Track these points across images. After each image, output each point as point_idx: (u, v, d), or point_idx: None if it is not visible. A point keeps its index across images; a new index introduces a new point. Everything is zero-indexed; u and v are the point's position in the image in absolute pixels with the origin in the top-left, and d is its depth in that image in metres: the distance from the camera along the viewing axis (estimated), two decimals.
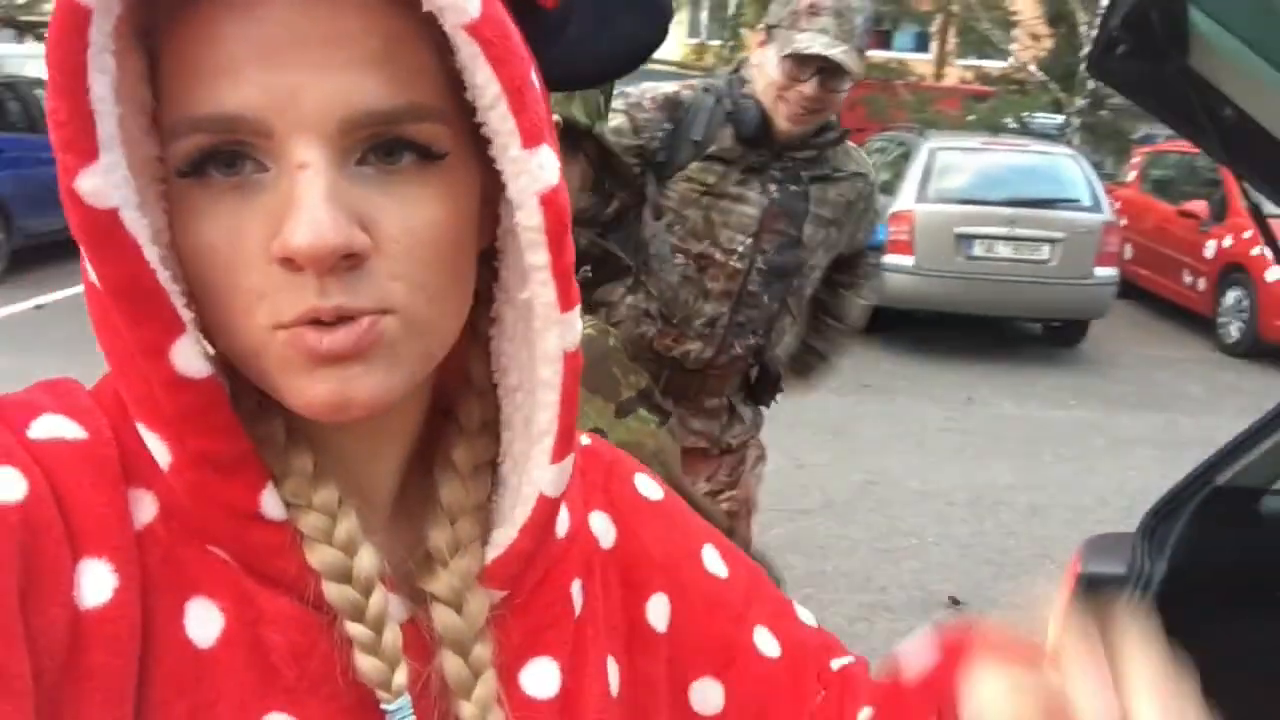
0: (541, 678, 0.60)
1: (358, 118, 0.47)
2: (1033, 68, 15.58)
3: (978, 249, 8.18)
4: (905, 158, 8.54)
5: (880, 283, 2.74)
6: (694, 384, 2.32)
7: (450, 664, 0.55)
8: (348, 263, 0.47)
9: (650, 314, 2.22)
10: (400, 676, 0.53)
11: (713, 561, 0.71)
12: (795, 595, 3.20)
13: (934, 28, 19.85)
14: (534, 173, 0.50)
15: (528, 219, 0.51)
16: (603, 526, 0.68)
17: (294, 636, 0.52)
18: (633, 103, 2.21)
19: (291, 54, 0.46)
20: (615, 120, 2.17)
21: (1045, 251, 8.17)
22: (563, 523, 0.62)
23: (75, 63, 0.44)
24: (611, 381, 1.33)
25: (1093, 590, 1.97)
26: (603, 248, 1.57)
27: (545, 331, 0.54)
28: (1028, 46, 16.14)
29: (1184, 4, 1.57)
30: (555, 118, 1.43)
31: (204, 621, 0.51)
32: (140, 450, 0.51)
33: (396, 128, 0.48)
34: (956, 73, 18.83)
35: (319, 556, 0.52)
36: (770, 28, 2.15)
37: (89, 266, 0.48)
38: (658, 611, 0.68)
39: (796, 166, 2.25)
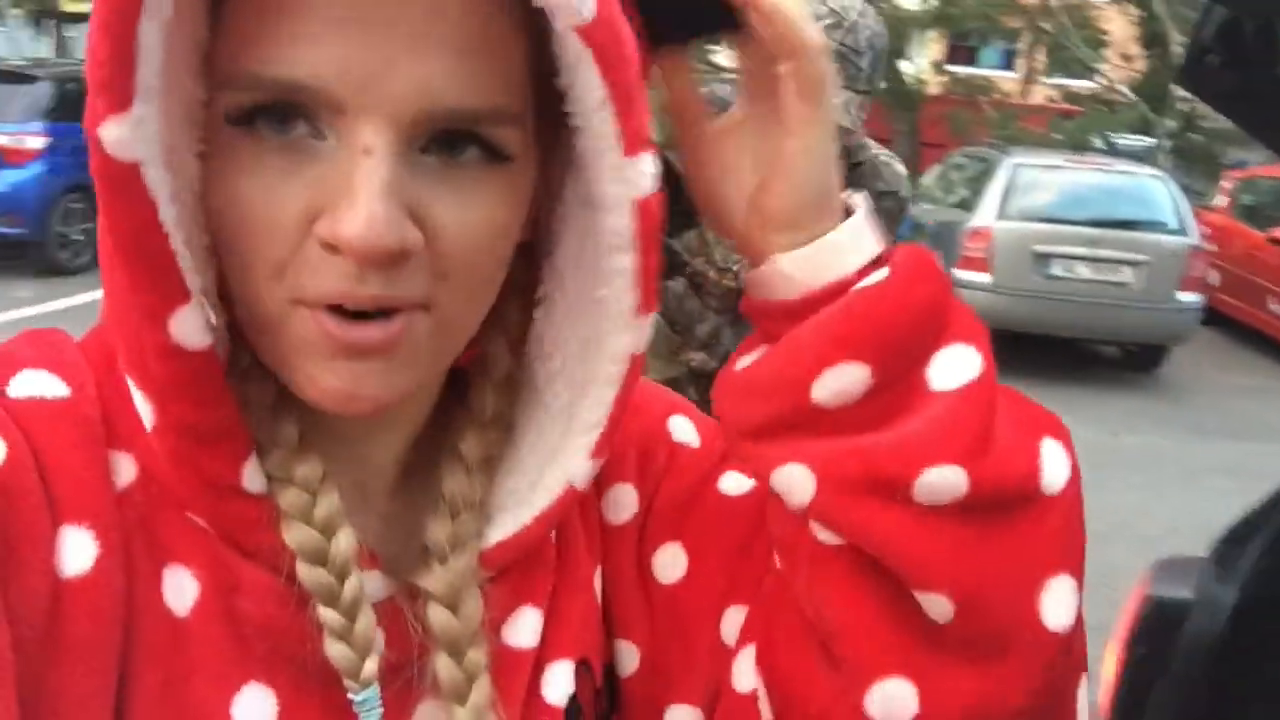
0: (524, 627, 0.58)
1: (437, 112, 0.45)
2: (1123, 88, 15.28)
3: (1057, 268, 8.02)
4: (986, 174, 8.42)
5: None
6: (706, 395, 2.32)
7: (444, 666, 0.53)
8: (396, 259, 0.45)
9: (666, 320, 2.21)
10: (371, 665, 0.51)
11: (728, 483, 0.65)
12: None
13: (1022, 45, 19.57)
14: (633, 180, 0.48)
15: (616, 222, 0.50)
16: (624, 499, 0.65)
17: (269, 609, 0.50)
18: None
19: (380, 29, 0.43)
20: None
21: (1127, 274, 7.99)
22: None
23: (130, 2, 0.41)
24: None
25: (1160, 614, 1.92)
26: (667, 245, 1.57)
27: (618, 332, 0.53)
28: (1118, 66, 15.83)
29: (1276, 14, 1.53)
30: None
31: (179, 589, 0.49)
32: (123, 409, 0.49)
33: (471, 125, 0.46)
34: (1043, 91, 18.53)
35: (295, 535, 0.50)
36: None
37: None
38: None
39: None
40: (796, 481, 0.50)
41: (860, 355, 0.48)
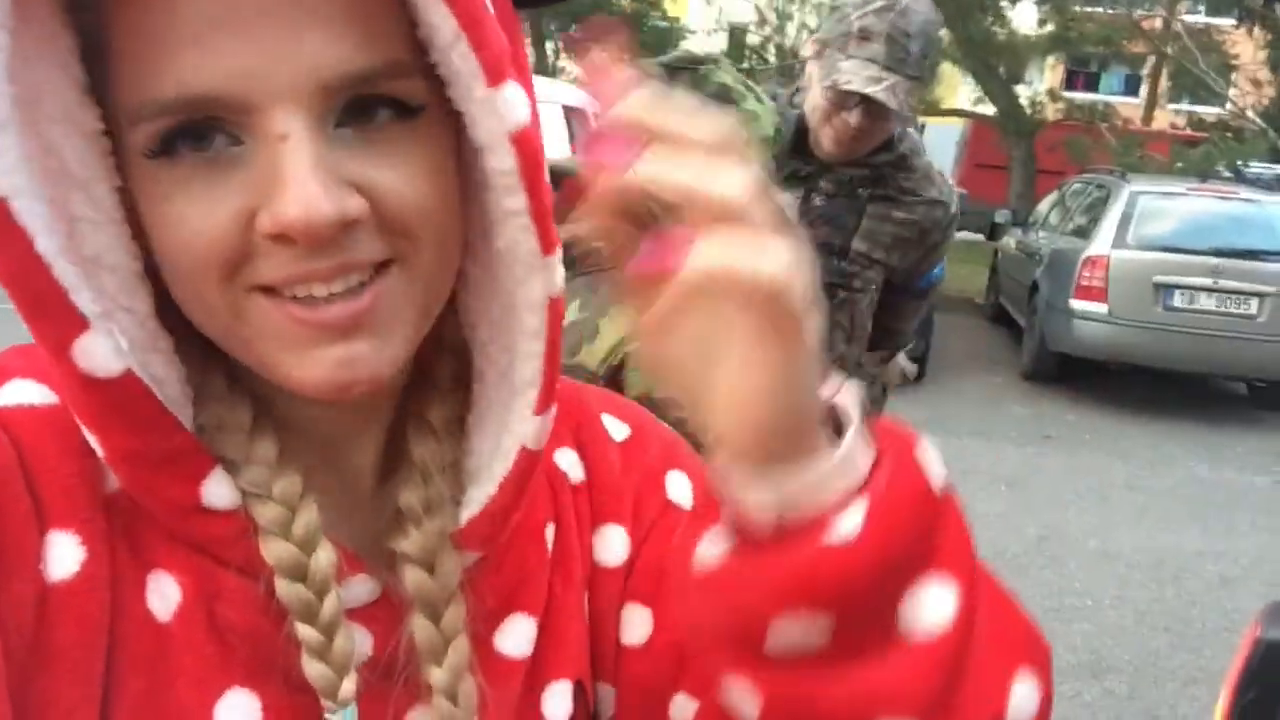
0: (516, 636, 0.58)
1: (335, 81, 0.44)
2: (1251, 114, 14.71)
3: (1178, 299, 7.72)
4: (1104, 201, 8.18)
5: (914, 332, 2.55)
6: None
7: (420, 627, 0.53)
8: (344, 229, 0.45)
9: None
10: (349, 685, 0.50)
11: (677, 490, 0.66)
12: None
13: (1146, 70, 19.00)
14: (501, 112, 0.47)
15: (500, 162, 0.48)
16: (570, 462, 0.65)
17: (251, 616, 0.50)
18: None
19: (257, 21, 0.43)
20: None
21: (1254, 306, 7.64)
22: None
23: None
24: None
25: (1271, 657, 1.82)
26: None
27: (528, 279, 0.51)
28: (1247, 92, 15.25)
29: None
30: None
31: (163, 595, 0.49)
32: None
33: (373, 86, 0.46)
34: (1166, 117, 17.97)
35: (274, 551, 0.49)
36: (822, 43, 2.03)
37: None
38: (607, 545, 0.64)
39: (853, 182, 2.15)
40: (743, 698, 0.47)
41: (826, 607, 0.44)
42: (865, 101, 1.96)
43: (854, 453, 0.46)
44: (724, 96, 1.46)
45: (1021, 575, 4.74)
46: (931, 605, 0.46)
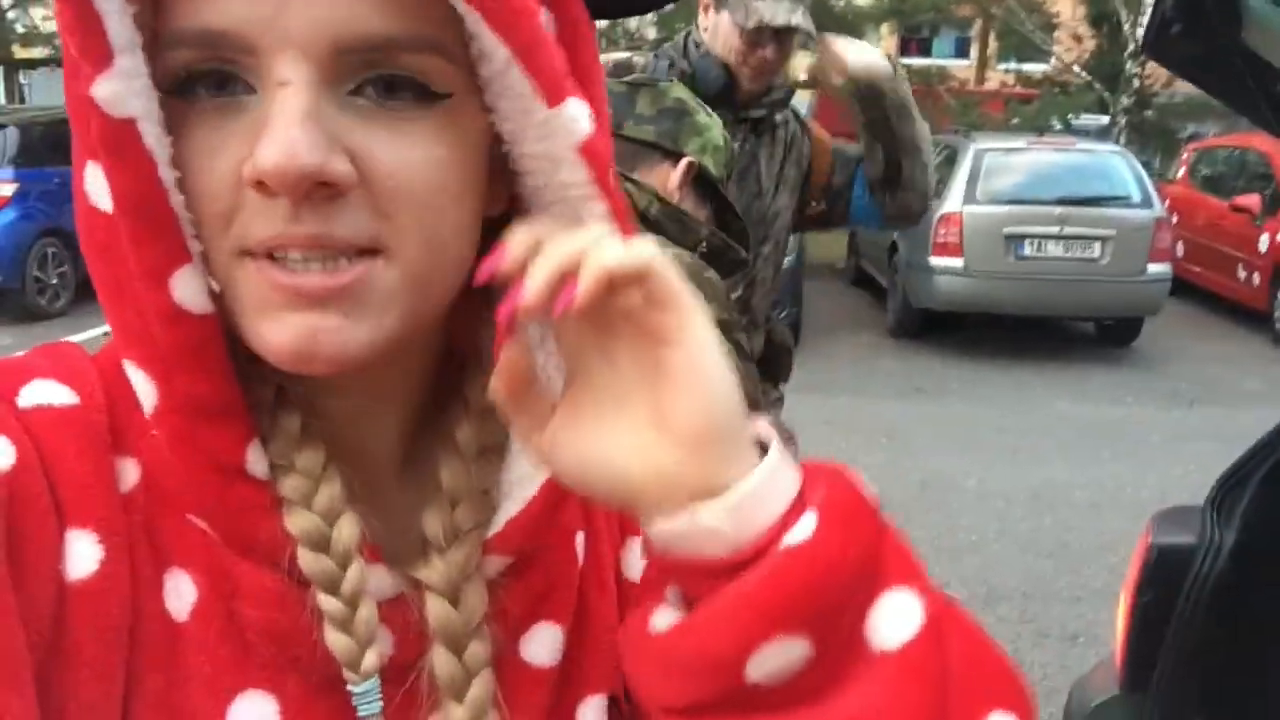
0: (543, 644, 0.57)
1: (351, 40, 0.44)
2: (1076, 68, 15.49)
3: (1028, 249, 8.16)
4: (951, 161, 8.55)
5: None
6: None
7: (441, 660, 0.51)
8: (325, 191, 0.43)
9: None
10: (371, 658, 0.49)
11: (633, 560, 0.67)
12: None
13: (974, 33, 19.78)
14: (567, 127, 0.48)
15: (572, 175, 0.49)
16: None
17: (270, 612, 0.49)
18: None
19: None
20: None
21: (1096, 250, 8.13)
22: None
23: None
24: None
25: (1164, 561, 2.00)
26: (722, 238, 1.55)
27: None
28: (1070, 48, 16.05)
29: None
30: (691, 159, 1.54)
31: (179, 594, 0.49)
32: (130, 417, 0.49)
33: (395, 57, 0.45)
34: (998, 77, 18.75)
35: (297, 522, 0.49)
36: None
37: (95, 186, 0.46)
38: (634, 558, 0.64)
39: (752, 125, 2.34)
40: None
41: (799, 628, 0.43)
42: (776, 35, 2.18)
43: (783, 467, 0.46)
44: (680, 109, 1.57)
45: (909, 520, 4.96)
46: (898, 614, 0.46)
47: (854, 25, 15.31)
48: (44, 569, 0.45)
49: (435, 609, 0.52)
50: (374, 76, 0.45)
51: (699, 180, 1.56)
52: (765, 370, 2.49)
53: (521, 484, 0.55)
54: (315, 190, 0.43)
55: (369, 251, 0.45)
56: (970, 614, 0.51)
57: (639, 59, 2.29)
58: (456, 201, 0.48)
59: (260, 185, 0.43)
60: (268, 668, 0.49)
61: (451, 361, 0.57)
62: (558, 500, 0.55)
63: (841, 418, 6.27)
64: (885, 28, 18.19)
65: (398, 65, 0.45)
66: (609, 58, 2.29)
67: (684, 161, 1.55)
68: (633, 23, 13.08)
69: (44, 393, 0.49)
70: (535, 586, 0.56)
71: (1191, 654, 1.93)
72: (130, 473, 0.49)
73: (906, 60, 17.98)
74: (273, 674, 0.49)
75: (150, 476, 0.49)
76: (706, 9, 2.27)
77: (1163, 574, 1.99)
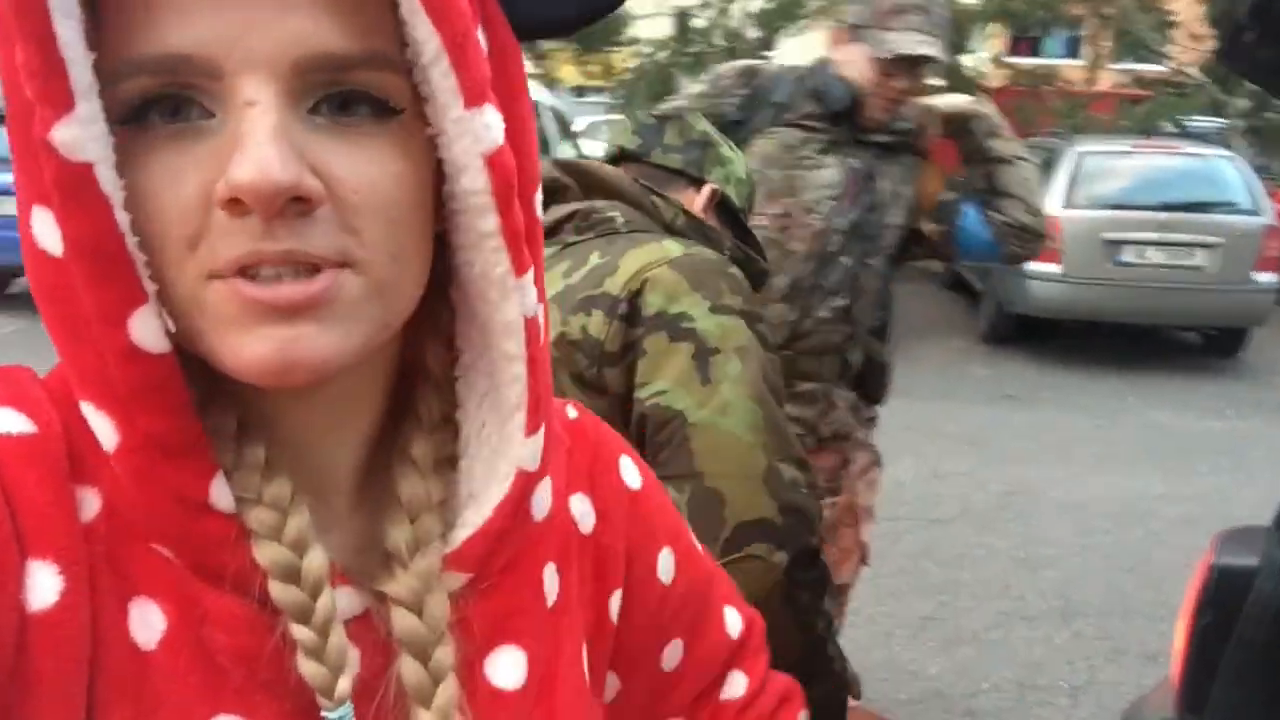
0: (508, 667, 0.57)
1: (313, 60, 0.45)
2: (1192, 70, 14.95)
3: (1128, 255, 7.89)
4: (1049, 165, 8.34)
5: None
6: (784, 366, 2.29)
7: (409, 669, 0.52)
8: (297, 207, 0.44)
9: None
10: (344, 683, 0.50)
11: (665, 567, 0.71)
12: (930, 603, 3.21)
13: (1086, 32, 19.24)
14: (478, 133, 0.48)
15: (473, 182, 0.49)
16: (583, 510, 0.66)
17: (240, 637, 0.50)
18: (712, 75, 2.45)
19: None
20: (696, 87, 2.43)
21: (1200, 257, 7.83)
22: (542, 504, 0.59)
23: (38, 6, 0.41)
24: (716, 287, 1.30)
25: (1225, 582, 1.93)
26: (744, 250, 1.56)
27: (503, 301, 0.52)
28: (1187, 49, 15.50)
29: None
30: (714, 186, 1.59)
31: (146, 623, 0.49)
32: (88, 445, 0.49)
33: (352, 75, 0.46)
34: (1111, 77, 18.20)
35: (267, 554, 0.49)
36: (855, 27, 2.29)
37: (44, 230, 0.45)
38: (616, 605, 0.68)
39: (874, 149, 2.38)
40: None
41: None
42: (910, 65, 2.23)
43: None
44: (705, 141, 1.61)
45: (989, 530, 4.87)
46: None
47: (961, 25, 15.03)
48: (5, 599, 0.44)
49: (400, 620, 0.53)
50: (332, 94, 0.46)
51: (721, 207, 1.61)
52: (861, 387, 2.53)
53: (476, 498, 0.56)
54: (288, 206, 0.44)
55: (337, 264, 0.46)
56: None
57: (767, 67, 2.42)
58: (414, 214, 0.49)
59: (233, 204, 0.43)
60: (240, 692, 0.50)
61: (403, 378, 0.58)
62: (515, 516, 0.56)
63: (925, 423, 6.17)
64: (994, 27, 17.81)
65: (355, 82, 0.46)
66: (734, 64, 2.45)
67: (707, 188, 1.59)
68: (732, 21, 13.00)
69: (0, 421, 0.48)
70: (498, 608, 0.57)
71: (1249, 677, 1.86)
72: (91, 502, 0.49)
73: (1015, 60, 17.57)
74: (245, 698, 0.50)
75: (112, 506, 0.49)
76: (839, 43, 2.34)
77: (1223, 595, 1.93)
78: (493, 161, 0.49)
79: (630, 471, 0.71)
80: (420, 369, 0.57)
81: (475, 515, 0.56)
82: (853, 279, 2.41)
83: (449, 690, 0.53)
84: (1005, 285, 8.37)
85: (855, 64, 2.29)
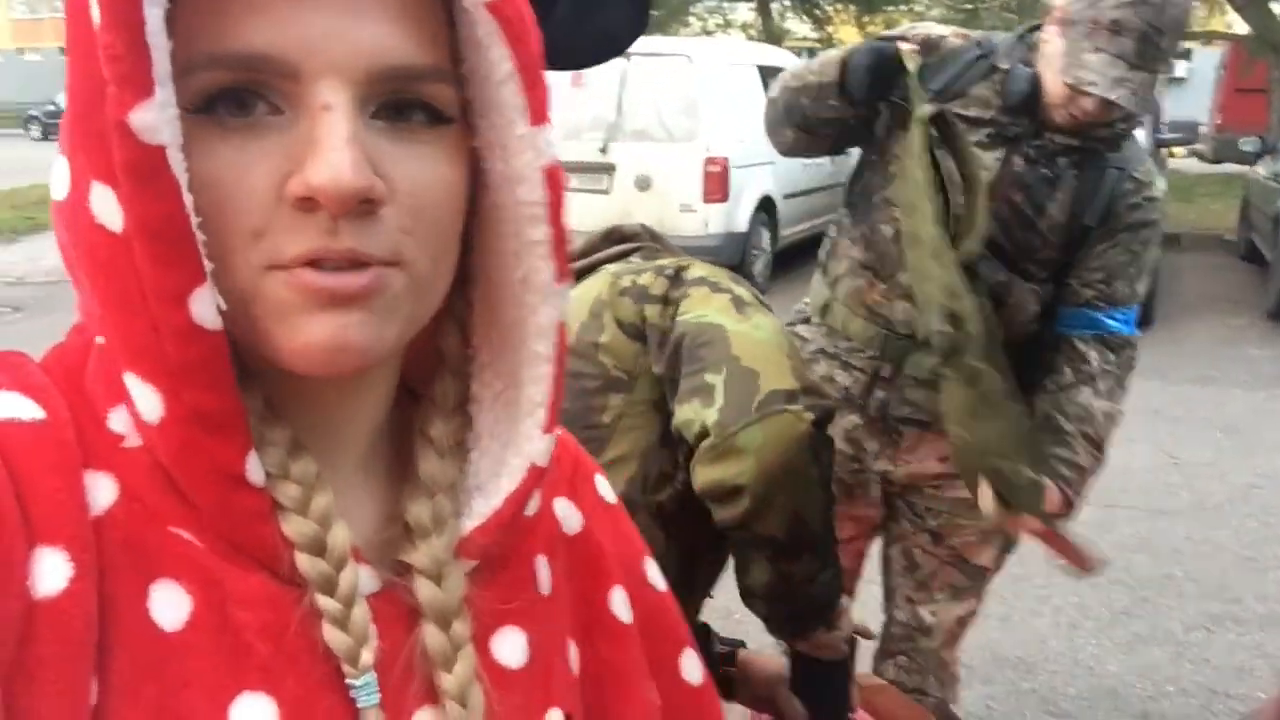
0: (512, 647, 0.60)
1: (386, 70, 0.48)
2: None
3: None
4: None
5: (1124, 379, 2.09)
6: (909, 350, 2.15)
7: (432, 636, 0.55)
8: (365, 207, 0.47)
9: (865, 265, 2.14)
10: (368, 653, 0.52)
11: (653, 574, 0.75)
12: (1129, 597, 3.61)
13: None
14: (540, 148, 0.52)
15: (530, 194, 0.52)
16: (566, 512, 0.69)
17: (264, 614, 0.51)
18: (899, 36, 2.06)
19: None
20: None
21: None
22: (534, 501, 0.61)
23: None
24: (750, 294, 1.49)
25: None
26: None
27: (541, 305, 0.55)
28: None
29: None
30: None
31: (170, 604, 0.49)
32: (97, 430, 0.50)
33: (416, 86, 0.49)
34: None
35: (295, 527, 0.51)
36: (1067, 21, 1.86)
37: (104, 208, 0.46)
38: (621, 604, 0.70)
39: (1058, 150, 1.99)
40: None
41: None
42: (1100, 103, 1.85)
43: None
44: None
45: (1220, 524, 4.47)
46: None
47: None
48: (11, 588, 0.45)
49: (424, 590, 0.55)
50: (392, 101, 0.49)
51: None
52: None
53: (482, 489, 0.59)
54: (357, 207, 0.47)
55: (386, 263, 0.49)
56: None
57: (953, 40, 2.04)
58: (455, 219, 0.53)
59: (306, 201, 0.46)
60: (265, 668, 0.51)
61: (411, 366, 0.61)
62: (521, 508, 0.59)
63: (1175, 407, 5.73)
64: None
65: (417, 92, 0.50)
66: (929, 29, 2.09)
67: None
68: None
69: (8, 406, 0.49)
70: (500, 592, 0.60)
71: None
72: (105, 488, 0.50)
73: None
74: (270, 674, 0.51)
75: (130, 491, 0.50)
76: (1056, 23, 1.91)
77: None
78: (550, 175, 0.53)
79: (605, 488, 0.75)
80: (439, 356, 0.60)
81: (484, 505, 0.58)
82: (985, 290, 2.01)
83: (468, 658, 0.55)
84: None
85: (1052, 62, 1.90)
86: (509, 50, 0.49)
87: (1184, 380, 6.29)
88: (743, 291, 1.47)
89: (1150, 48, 1.79)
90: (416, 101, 0.49)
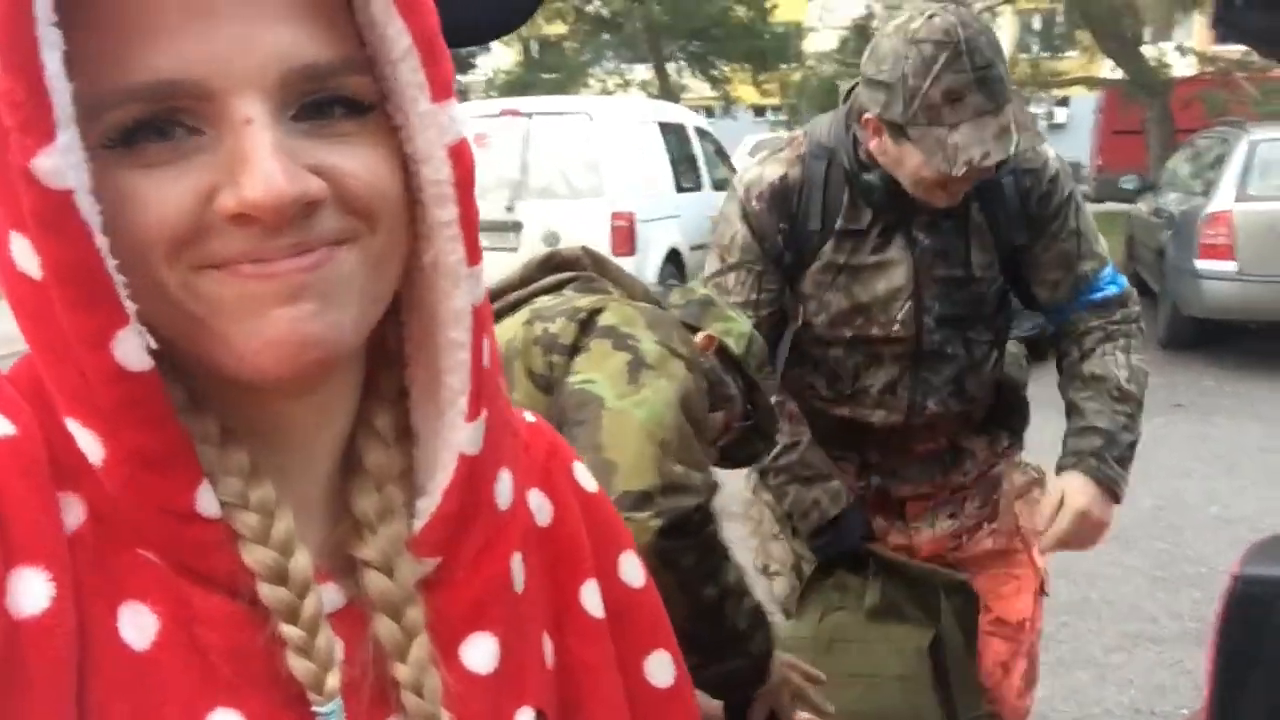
0: (481, 652, 0.59)
1: (297, 72, 0.47)
2: None
3: None
4: (1222, 158, 7.80)
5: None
6: (895, 438, 2.09)
7: (384, 627, 0.54)
8: (305, 210, 0.46)
9: (813, 386, 2.06)
10: (333, 680, 0.51)
11: (629, 569, 0.72)
12: (1051, 623, 3.01)
13: None
14: (444, 125, 0.51)
15: (435, 172, 0.51)
16: (539, 504, 0.68)
17: (230, 635, 0.50)
18: (746, 210, 1.95)
19: (226, 12, 0.46)
20: (736, 230, 1.95)
21: None
22: (505, 494, 0.60)
23: (26, 38, 0.42)
24: (668, 332, 1.45)
25: (1248, 596, 1.78)
26: (751, 402, 1.60)
27: (454, 290, 0.54)
28: None
29: None
30: (711, 334, 1.59)
31: (138, 625, 0.49)
32: (66, 448, 0.49)
33: (331, 81, 0.48)
34: None
35: (255, 556, 0.50)
36: (896, 126, 1.76)
37: (23, 255, 0.46)
38: (592, 598, 0.68)
39: (948, 208, 1.91)
40: None
41: None
42: (981, 170, 1.77)
43: None
44: (707, 301, 1.64)
45: (1129, 547, 4.59)
46: None
47: (1141, 13, 14.26)
48: None
49: (373, 582, 0.54)
50: (309, 101, 0.49)
51: (722, 354, 1.58)
52: (1003, 422, 2.19)
53: (424, 486, 0.58)
54: (299, 212, 0.46)
55: (333, 242, 0.49)
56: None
57: (793, 173, 1.94)
58: (397, 195, 0.52)
59: (241, 218, 0.46)
60: (232, 687, 0.50)
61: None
62: (469, 501, 0.58)
63: None
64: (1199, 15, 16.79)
65: (332, 87, 0.49)
66: (761, 181, 1.94)
67: (702, 334, 1.57)
68: None
69: None
70: (469, 595, 0.59)
71: (1272, 702, 1.71)
72: (75, 508, 0.49)
73: (1220, 48, 16.55)
74: (237, 692, 0.50)
75: (97, 511, 0.49)
76: (876, 132, 1.82)
77: (1247, 612, 1.78)
78: (456, 152, 0.52)
79: (585, 476, 0.72)
80: (379, 346, 0.58)
81: (428, 502, 0.57)
82: (961, 370, 2.02)
83: (422, 646, 0.54)
84: (1178, 286, 7.89)
85: (907, 167, 1.80)
86: (404, 24, 0.49)
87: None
88: (649, 348, 1.38)
89: (994, 82, 1.72)
90: (334, 97, 0.49)
